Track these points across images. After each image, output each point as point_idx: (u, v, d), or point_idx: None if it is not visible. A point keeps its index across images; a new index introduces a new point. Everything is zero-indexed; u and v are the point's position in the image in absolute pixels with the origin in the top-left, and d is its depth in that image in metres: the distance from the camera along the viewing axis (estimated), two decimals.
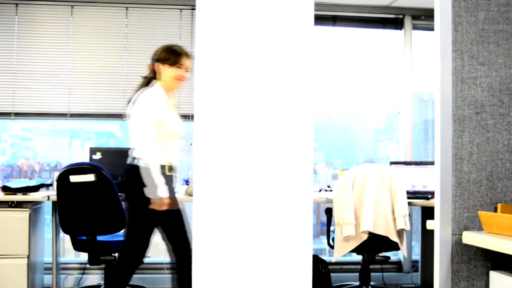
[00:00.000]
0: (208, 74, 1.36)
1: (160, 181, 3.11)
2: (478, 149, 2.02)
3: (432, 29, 2.77)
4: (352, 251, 3.79)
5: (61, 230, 3.83)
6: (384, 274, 4.65)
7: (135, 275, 4.54)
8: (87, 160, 4.30)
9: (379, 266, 4.55)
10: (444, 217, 1.98)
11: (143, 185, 3.11)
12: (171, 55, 3.31)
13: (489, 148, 2.03)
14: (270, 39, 1.37)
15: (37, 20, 4.62)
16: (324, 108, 5.15)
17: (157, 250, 4.82)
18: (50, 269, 4.08)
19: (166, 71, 3.29)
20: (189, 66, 3.33)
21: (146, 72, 3.39)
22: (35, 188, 3.95)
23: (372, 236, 3.68)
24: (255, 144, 1.36)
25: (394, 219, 3.67)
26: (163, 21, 4.71)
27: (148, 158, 3.11)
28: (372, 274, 4.10)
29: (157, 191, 3.11)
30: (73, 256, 4.61)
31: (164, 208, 3.14)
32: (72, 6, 4.63)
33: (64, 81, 4.61)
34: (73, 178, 3.59)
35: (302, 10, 1.37)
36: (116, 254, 3.81)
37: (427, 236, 4.43)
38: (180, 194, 4.34)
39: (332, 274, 4.01)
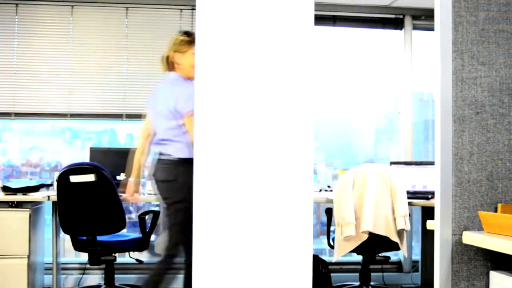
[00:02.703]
0: (208, 74, 1.36)
1: None
2: (478, 149, 2.01)
3: (432, 29, 2.77)
4: (352, 251, 3.79)
5: (61, 230, 3.83)
6: (384, 274, 4.64)
7: (135, 275, 4.55)
8: (87, 160, 4.30)
9: (379, 266, 4.54)
10: (444, 217, 1.98)
11: None
12: None
13: (489, 148, 2.03)
14: (270, 39, 1.37)
15: (37, 20, 4.62)
16: (325, 108, 5.15)
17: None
18: (50, 269, 4.07)
19: None
20: None
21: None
22: (35, 188, 3.95)
23: (372, 236, 3.68)
24: (255, 144, 1.36)
25: (394, 219, 3.67)
26: (163, 21, 4.71)
27: None
28: (372, 274, 4.10)
29: None
30: (73, 256, 4.61)
31: None
32: (72, 6, 4.63)
33: (64, 81, 4.61)
34: (73, 178, 3.59)
35: (302, 10, 1.37)
36: (116, 254, 3.81)
37: (427, 236, 4.42)
38: None
39: (332, 274, 4.01)
